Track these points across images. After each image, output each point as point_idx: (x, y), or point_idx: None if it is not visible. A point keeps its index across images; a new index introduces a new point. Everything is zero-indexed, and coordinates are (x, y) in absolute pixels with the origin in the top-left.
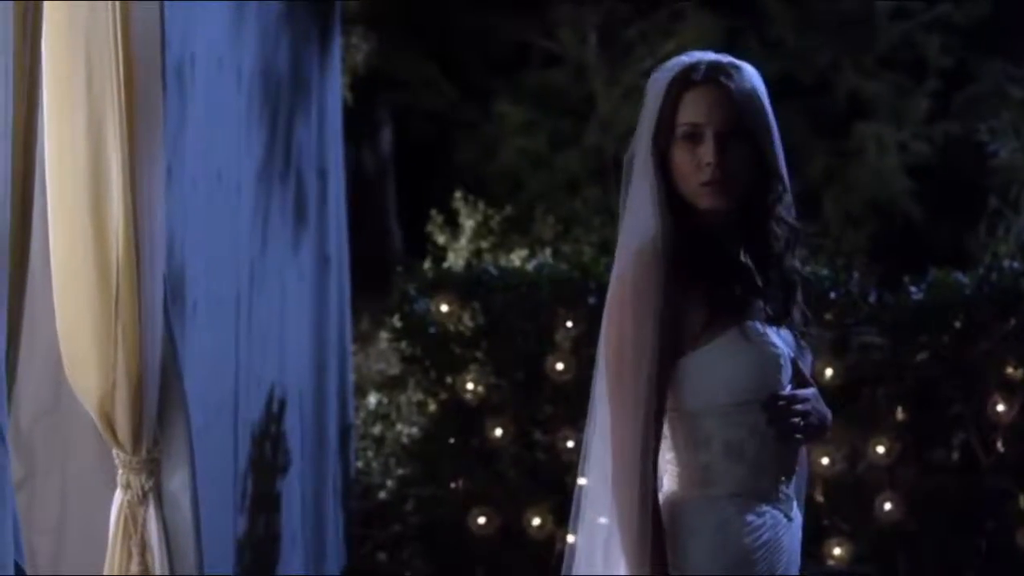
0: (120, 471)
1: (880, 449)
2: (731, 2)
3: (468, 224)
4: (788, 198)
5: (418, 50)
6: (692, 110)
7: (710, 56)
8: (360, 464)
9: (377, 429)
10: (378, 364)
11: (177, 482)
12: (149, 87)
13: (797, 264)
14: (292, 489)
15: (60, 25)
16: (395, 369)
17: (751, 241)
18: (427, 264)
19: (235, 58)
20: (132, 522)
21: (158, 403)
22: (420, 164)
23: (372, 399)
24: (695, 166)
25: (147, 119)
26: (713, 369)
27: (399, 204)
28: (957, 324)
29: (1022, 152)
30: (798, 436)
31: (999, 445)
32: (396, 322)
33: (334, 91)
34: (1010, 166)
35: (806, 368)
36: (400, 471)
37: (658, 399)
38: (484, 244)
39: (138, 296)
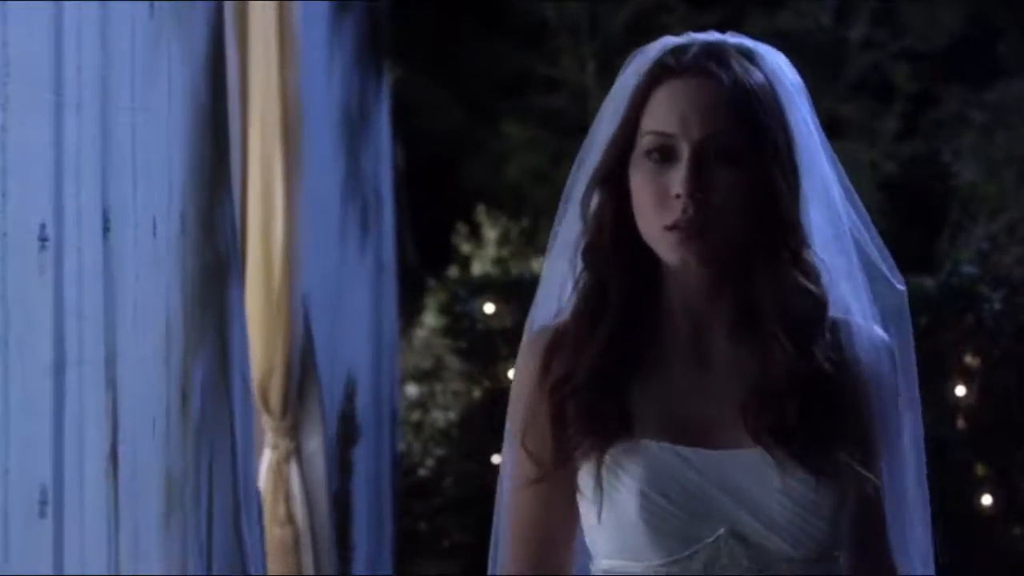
0: (268, 434)
1: None
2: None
3: (491, 235)
4: (809, 255)
5: (432, 77)
6: (662, 113)
7: (710, 36)
8: (401, 447)
9: (416, 416)
10: (412, 359)
11: (313, 445)
12: (299, 134)
13: (820, 358)
14: (361, 463)
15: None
16: (428, 363)
17: (751, 321)
18: (454, 271)
19: (328, 94)
20: (279, 476)
21: (299, 382)
22: (427, 181)
23: (411, 389)
24: (659, 197)
25: (297, 161)
26: None
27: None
28: (923, 321)
29: (981, 172)
30: None
31: (959, 422)
32: (447, 320)
33: (384, 117)
34: (970, 183)
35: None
36: (439, 451)
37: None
38: (504, 253)
39: (288, 303)
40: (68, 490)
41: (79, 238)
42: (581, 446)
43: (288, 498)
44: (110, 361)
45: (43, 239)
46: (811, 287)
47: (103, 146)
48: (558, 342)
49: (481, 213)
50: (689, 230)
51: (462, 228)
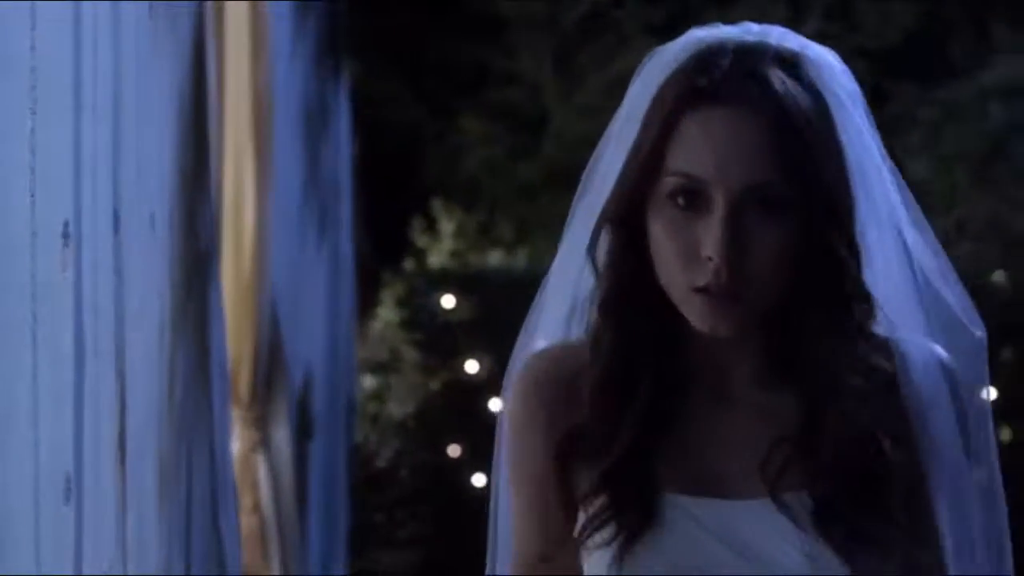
0: (236, 425)
1: None
2: (670, 28)
3: (447, 228)
4: (872, 323)
5: (389, 71)
6: (693, 151)
7: (747, 34)
8: (358, 439)
9: (372, 408)
10: (366, 352)
11: (280, 435)
12: (270, 131)
13: (886, 446)
14: (316, 456)
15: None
16: (383, 355)
17: (786, 367)
18: (410, 265)
19: (290, 92)
20: (246, 466)
21: (267, 373)
22: (382, 175)
23: (367, 382)
24: (686, 253)
25: (268, 157)
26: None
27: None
28: None
29: (932, 169)
30: None
31: None
32: (405, 313)
33: (344, 111)
34: (922, 180)
35: None
36: (396, 443)
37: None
38: (460, 246)
39: (257, 294)
40: (87, 478)
41: (95, 235)
42: (599, 533)
43: (255, 488)
44: (119, 353)
45: (66, 236)
46: (878, 363)
47: (113, 145)
48: (562, 379)
49: (437, 207)
50: (721, 296)
51: (418, 222)
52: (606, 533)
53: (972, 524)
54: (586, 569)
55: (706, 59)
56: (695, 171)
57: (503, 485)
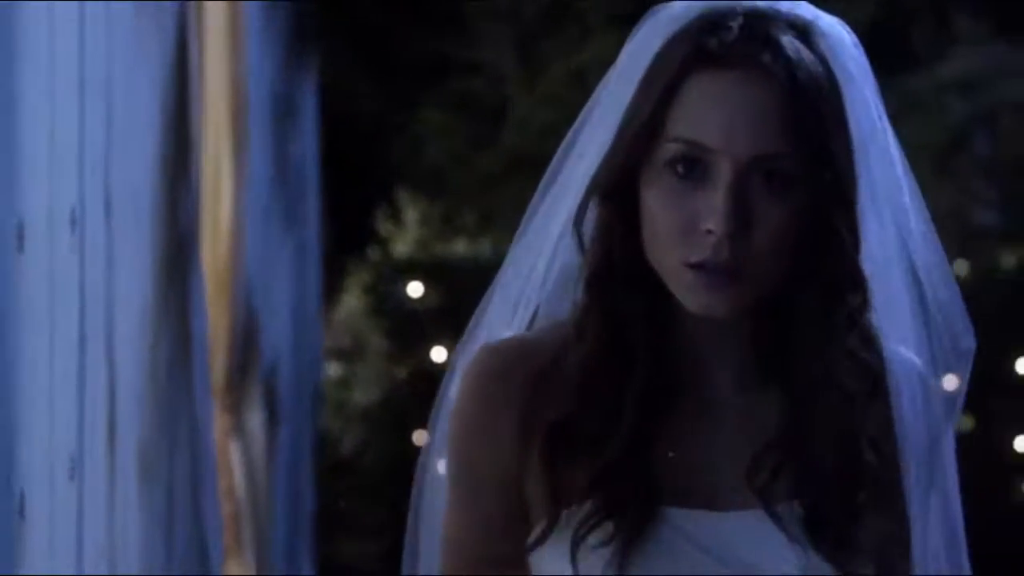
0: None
1: None
2: (634, 18)
3: (412, 217)
4: (869, 312)
5: (354, 62)
6: (698, 117)
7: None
8: (323, 426)
9: (337, 395)
10: (330, 339)
11: (254, 421)
12: (246, 122)
13: (864, 446)
14: (282, 442)
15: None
16: (347, 343)
17: (774, 363)
18: (377, 253)
19: (260, 88)
20: (220, 451)
21: (242, 359)
22: (344, 164)
23: (332, 369)
24: (683, 226)
25: (244, 148)
26: None
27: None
28: None
29: None
30: None
31: None
32: (371, 300)
33: (311, 108)
34: None
35: None
36: (361, 431)
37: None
38: (424, 234)
39: (233, 282)
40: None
41: (94, 222)
42: (592, 534)
43: (228, 472)
44: (109, 339)
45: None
46: (866, 359)
47: (105, 135)
48: (514, 371)
49: (402, 196)
50: (719, 274)
51: (382, 211)
52: (600, 534)
53: (937, 526)
54: (583, 570)
55: (715, 20)
56: (699, 137)
57: (444, 482)
